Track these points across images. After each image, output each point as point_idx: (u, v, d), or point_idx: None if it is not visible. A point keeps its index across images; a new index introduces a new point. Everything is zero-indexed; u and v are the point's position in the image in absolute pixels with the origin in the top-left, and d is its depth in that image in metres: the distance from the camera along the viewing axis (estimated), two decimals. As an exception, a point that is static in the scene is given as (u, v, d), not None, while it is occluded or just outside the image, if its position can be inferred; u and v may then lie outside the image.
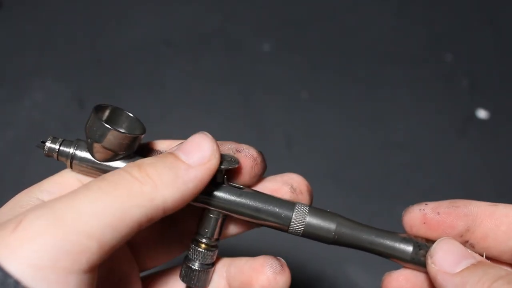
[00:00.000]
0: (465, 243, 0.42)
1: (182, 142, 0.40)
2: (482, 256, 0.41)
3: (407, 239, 0.42)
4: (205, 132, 0.41)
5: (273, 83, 0.89)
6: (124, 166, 0.37)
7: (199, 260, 0.44)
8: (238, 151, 0.44)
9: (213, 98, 0.87)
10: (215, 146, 0.40)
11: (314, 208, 0.43)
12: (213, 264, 0.45)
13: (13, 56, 0.88)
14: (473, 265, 0.39)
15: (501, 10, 0.98)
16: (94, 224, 0.32)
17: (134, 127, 0.43)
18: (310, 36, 0.94)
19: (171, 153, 0.39)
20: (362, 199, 0.79)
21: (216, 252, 0.45)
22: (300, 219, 0.43)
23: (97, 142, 0.40)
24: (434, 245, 0.41)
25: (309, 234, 0.43)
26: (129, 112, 0.43)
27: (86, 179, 0.42)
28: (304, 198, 0.46)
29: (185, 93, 0.87)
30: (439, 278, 0.39)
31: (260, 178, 0.46)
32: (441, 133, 0.86)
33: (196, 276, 0.44)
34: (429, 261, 0.40)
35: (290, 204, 0.43)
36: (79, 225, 0.32)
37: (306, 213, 0.43)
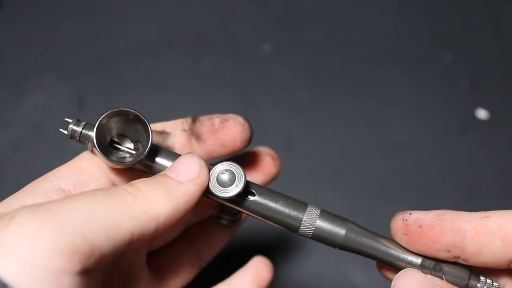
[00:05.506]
0: (455, 258, 0.40)
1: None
2: (443, 278, 0.40)
3: (417, 254, 0.41)
4: (192, 152, 0.42)
5: (273, 83, 0.89)
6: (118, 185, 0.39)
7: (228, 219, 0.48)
8: (226, 120, 0.46)
9: (213, 98, 0.87)
10: (202, 163, 0.41)
11: (325, 212, 0.43)
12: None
13: (13, 56, 0.88)
14: None
15: (501, 10, 0.98)
16: (88, 227, 0.32)
17: (140, 136, 0.43)
18: (310, 36, 0.94)
19: (161, 174, 0.40)
20: (362, 199, 0.79)
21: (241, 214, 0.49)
22: (310, 222, 0.42)
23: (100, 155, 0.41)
24: (393, 281, 0.40)
25: (318, 237, 0.42)
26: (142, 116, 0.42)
27: (103, 163, 0.43)
28: (278, 162, 0.53)
29: (185, 93, 0.87)
30: None
31: (249, 142, 0.48)
32: (441, 133, 0.86)
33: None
34: None
35: (302, 205, 0.43)
36: (74, 225, 0.32)
37: (317, 216, 0.42)
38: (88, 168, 0.42)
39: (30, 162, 0.80)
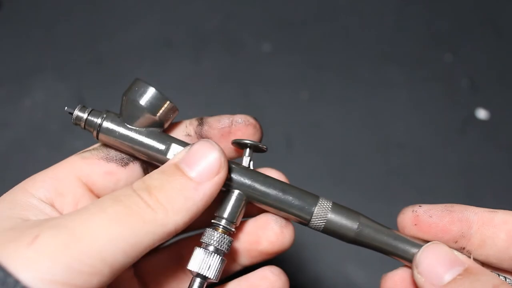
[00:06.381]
0: (461, 249, 0.40)
1: (188, 148, 0.39)
2: (470, 257, 0.40)
3: None
4: (209, 140, 0.39)
5: (273, 83, 0.89)
6: (134, 186, 0.37)
7: (215, 245, 0.41)
8: (236, 121, 0.44)
9: (213, 98, 0.87)
10: (223, 158, 0.38)
11: (337, 205, 0.42)
12: (225, 255, 0.42)
13: (13, 56, 0.88)
14: (460, 275, 0.37)
15: (501, 10, 0.98)
16: (108, 249, 0.33)
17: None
18: (310, 36, 0.94)
19: (177, 167, 0.38)
20: (362, 199, 0.79)
21: (231, 243, 0.42)
22: (322, 215, 0.41)
23: (135, 101, 0.40)
24: (419, 252, 0.40)
25: (330, 231, 0.42)
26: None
27: (80, 172, 0.41)
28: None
29: (185, 93, 0.87)
30: None
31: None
32: (441, 133, 0.86)
33: (209, 262, 0.40)
34: (415, 272, 0.39)
35: (313, 198, 0.42)
36: (94, 248, 0.33)
37: (329, 208, 0.42)
38: (65, 177, 0.40)
39: (30, 162, 0.80)
